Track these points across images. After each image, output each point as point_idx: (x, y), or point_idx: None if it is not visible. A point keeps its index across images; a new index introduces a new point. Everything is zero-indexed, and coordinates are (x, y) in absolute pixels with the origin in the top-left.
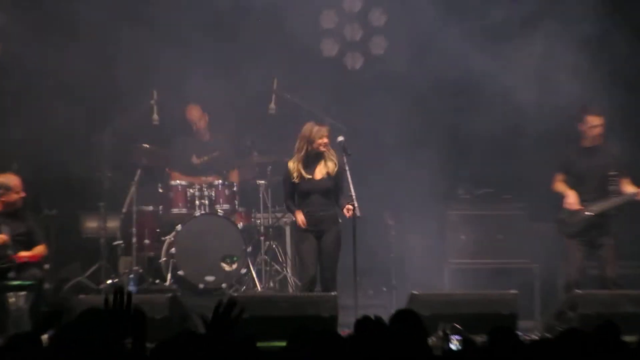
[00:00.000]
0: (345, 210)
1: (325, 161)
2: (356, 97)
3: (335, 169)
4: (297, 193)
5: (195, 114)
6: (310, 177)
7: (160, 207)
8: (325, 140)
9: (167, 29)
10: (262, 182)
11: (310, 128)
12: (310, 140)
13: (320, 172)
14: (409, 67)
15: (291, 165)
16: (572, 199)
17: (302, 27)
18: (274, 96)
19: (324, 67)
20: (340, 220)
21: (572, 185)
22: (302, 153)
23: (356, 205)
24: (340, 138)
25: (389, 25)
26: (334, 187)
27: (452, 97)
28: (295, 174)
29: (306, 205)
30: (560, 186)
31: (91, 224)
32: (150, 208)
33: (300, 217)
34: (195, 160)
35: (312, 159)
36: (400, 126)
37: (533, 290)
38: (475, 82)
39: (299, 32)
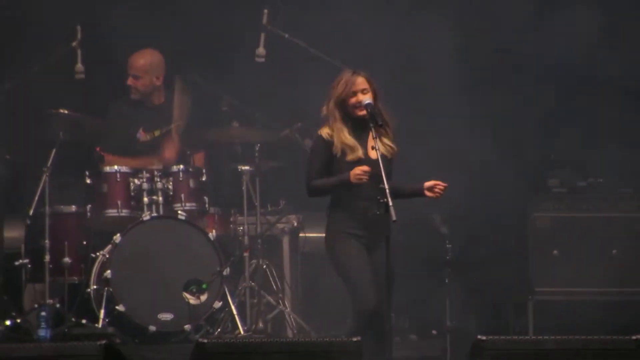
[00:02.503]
0: None
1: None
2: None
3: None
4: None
5: (143, 63)
6: (360, 155)
7: (88, 207)
8: (361, 97)
9: None
10: (247, 168)
11: (339, 80)
12: (339, 101)
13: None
14: None
15: (326, 132)
16: None
17: None
18: (263, 36)
19: None
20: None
21: None
22: (337, 119)
23: (390, 203)
24: (367, 100)
25: None
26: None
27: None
28: (339, 146)
29: (353, 199)
30: None
31: None
32: (73, 209)
33: (358, 170)
34: (142, 135)
35: (357, 127)
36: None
37: None
38: None
39: None
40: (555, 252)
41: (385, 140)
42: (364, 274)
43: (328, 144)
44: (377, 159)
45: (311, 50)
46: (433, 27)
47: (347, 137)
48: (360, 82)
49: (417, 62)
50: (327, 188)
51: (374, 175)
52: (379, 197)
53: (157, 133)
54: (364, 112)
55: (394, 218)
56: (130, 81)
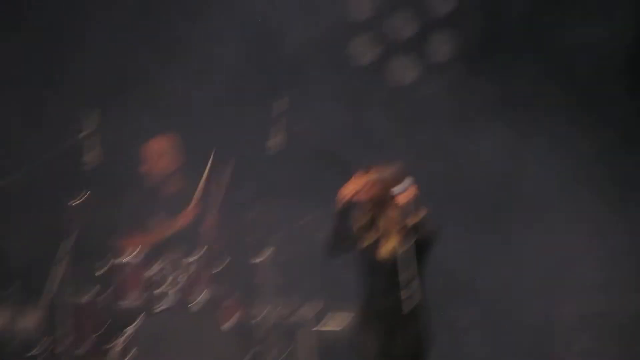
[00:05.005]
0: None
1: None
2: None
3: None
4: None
5: (154, 153)
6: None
7: (101, 298)
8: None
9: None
10: (264, 257)
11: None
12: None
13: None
14: None
15: None
16: None
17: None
18: (275, 129)
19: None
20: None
21: None
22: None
23: (406, 295)
24: (397, 188)
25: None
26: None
27: None
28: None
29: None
30: None
31: None
32: (87, 299)
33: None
34: (159, 223)
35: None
36: None
37: None
38: None
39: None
40: None
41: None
42: None
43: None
44: (386, 253)
45: (316, 140)
46: None
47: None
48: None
49: None
50: (331, 233)
51: (382, 269)
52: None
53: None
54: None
55: (405, 311)
56: (145, 168)
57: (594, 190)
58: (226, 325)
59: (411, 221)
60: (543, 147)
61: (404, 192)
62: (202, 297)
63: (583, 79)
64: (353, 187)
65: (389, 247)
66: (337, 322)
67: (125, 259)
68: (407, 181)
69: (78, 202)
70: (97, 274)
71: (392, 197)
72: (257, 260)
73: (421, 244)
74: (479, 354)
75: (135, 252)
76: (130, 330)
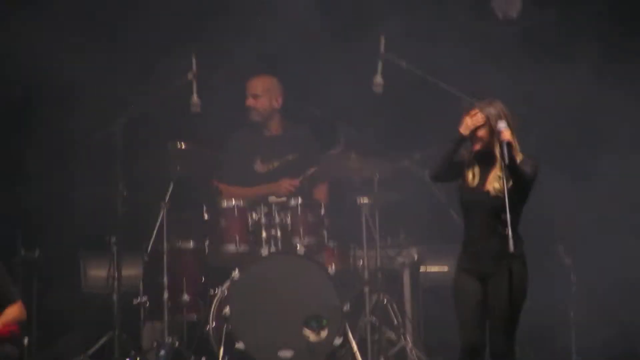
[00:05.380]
0: None
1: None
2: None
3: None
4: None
5: (262, 83)
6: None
7: (207, 242)
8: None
9: None
10: (366, 200)
11: None
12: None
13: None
14: None
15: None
16: None
17: None
18: (380, 64)
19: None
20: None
21: None
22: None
23: (510, 234)
24: (501, 125)
25: None
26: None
27: None
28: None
29: (467, 231)
30: None
31: (97, 271)
32: (191, 245)
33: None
34: (259, 167)
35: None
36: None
37: None
38: None
39: None
40: None
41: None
42: (465, 313)
43: (464, 165)
44: (490, 192)
45: (429, 79)
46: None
47: (470, 166)
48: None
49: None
50: (441, 153)
51: (489, 208)
52: (497, 229)
53: (275, 164)
54: (477, 147)
55: (511, 249)
56: (249, 102)
57: None
58: (331, 268)
59: (516, 157)
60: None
61: (507, 129)
62: (307, 240)
63: None
64: (471, 122)
65: (494, 183)
66: (441, 263)
67: (231, 203)
68: (503, 121)
69: (182, 145)
70: (201, 215)
71: (498, 133)
72: (362, 202)
73: (522, 183)
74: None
75: (239, 201)
76: (236, 274)
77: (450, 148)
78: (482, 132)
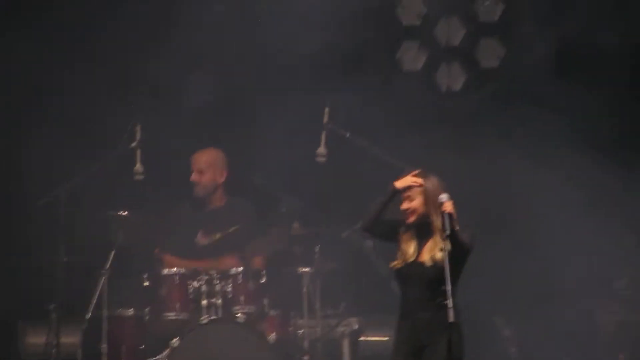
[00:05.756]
0: None
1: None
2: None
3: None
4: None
5: (207, 159)
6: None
7: (147, 310)
8: (405, 205)
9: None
10: (307, 269)
11: None
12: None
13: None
14: None
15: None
16: None
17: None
18: (323, 135)
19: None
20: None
21: None
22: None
23: (450, 305)
24: (443, 197)
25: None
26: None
27: None
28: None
29: (403, 303)
30: None
31: (35, 339)
32: (131, 312)
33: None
34: (201, 239)
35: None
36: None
37: None
38: None
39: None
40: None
41: (434, 246)
42: None
43: (396, 226)
44: (426, 263)
45: (373, 150)
46: None
47: (404, 238)
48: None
49: None
50: (374, 206)
51: (425, 280)
52: (434, 300)
53: (217, 236)
54: (411, 219)
55: (451, 320)
56: (194, 177)
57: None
58: (272, 337)
59: (454, 228)
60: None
61: (449, 200)
62: (248, 308)
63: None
64: (410, 180)
65: (429, 254)
66: (381, 332)
67: (172, 270)
68: (446, 194)
69: (124, 213)
70: (142, 283)
71: (439, 204)
72: (303, 271)
73: (461, 252)
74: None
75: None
76: (175, 342)
77: (382, 200)
78: (416, 203)
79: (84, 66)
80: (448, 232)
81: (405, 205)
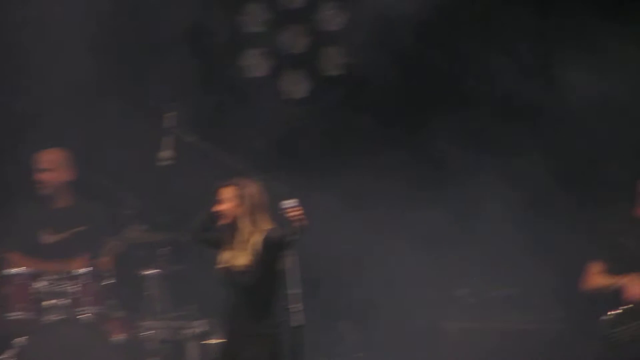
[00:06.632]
0: None
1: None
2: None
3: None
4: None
5: (53, 157)
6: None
7: None
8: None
9: None
10: (153, 272)
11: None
12: None
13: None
14: None
15: None
16: None
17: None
18: (168, 138)
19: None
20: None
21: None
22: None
23: (298, 308)
24: (287, 203)
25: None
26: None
27: None
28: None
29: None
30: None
31: None
32: None
33: None
34: (46, 237)
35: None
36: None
37: None
38: None
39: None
40: None
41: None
42: None
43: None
44: (238, 269)
45: (215, 152)
46: None
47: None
48: (223, 192)
49: None
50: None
51: (238, 285)
52: (246, 305)
53: (63, 235)
54: (224, 221)
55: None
56: (38, 176)
57: None
58: (115, 338)
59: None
60: None
61: (292, 208)
62: (91, 309)
63: None
64: (223, 207)
65: (239, 259)
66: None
67: (13, 271)
68: (293, 200)
69: None
70: None
71: (284, 210)
72: (146, 274)
73: (278, 255)
74: None
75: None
76: (19, 342)
77: (200, 220)
78: (229, 206)
79: None
80: (288, 239)
81: (217, 208)
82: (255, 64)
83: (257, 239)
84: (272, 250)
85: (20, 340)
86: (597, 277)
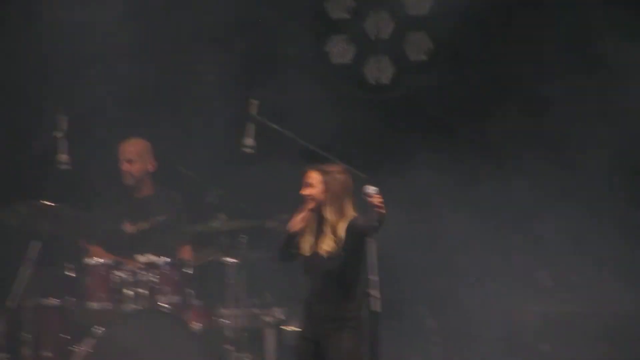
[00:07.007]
0: None
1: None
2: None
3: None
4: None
5: (137, 148)
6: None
7: (71, 300)
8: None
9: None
10: (233, 260)
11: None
12: None
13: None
14: None
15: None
16: None
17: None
18: (251, 126)
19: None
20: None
21: None
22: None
23: (377, 295)
24: (371, 189)
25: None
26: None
27: None
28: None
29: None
30: None
31: None
32: (55, 302)
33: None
34: (128, 228)
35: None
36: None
37: None
38: None
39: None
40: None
41: (329, 237)
42: None
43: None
44: (324, 256)
45: (299, 141)
46: None
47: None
48: (311, 176)
49: None
50: (279, 244)
51: (323, 272)
52: (330, 292)
53: (145, 225)
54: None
55: (376, 308)
56: (125, 166)
57: None
58: (194, 327)
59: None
60: None
61: (375, 194)
62: (172, 298)
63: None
64: (300, 219)
65: (325, 245)
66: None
67: (94, 260)
68: (374, 188)
69: (48, 202)
70: (66, 273)
71: (368, 195)
72: (225, 262)
73: (365, 240)
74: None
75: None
76: (99, 331)
77: (282, 242)
78: (316, 191)
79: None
80: (375, 224)
81: (305, 191)
82: (340, 50)
83: (341, 226)
84: (356, 237)
85: (100, 329)
86: None
